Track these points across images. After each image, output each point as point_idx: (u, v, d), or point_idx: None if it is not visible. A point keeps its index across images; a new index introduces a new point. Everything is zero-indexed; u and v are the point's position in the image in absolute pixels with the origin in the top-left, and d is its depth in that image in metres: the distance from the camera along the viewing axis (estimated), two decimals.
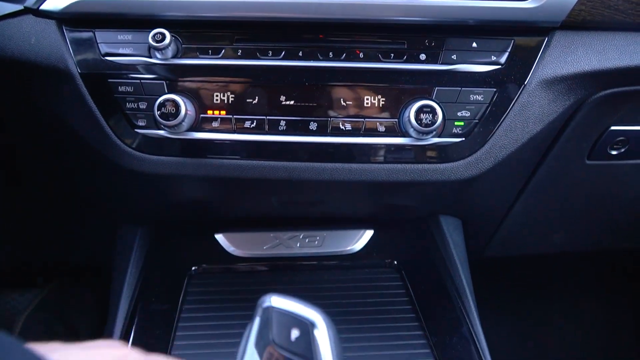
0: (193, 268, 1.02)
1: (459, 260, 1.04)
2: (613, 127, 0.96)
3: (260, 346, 0.47)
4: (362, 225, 1.10)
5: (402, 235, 1.10)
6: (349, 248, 1.06)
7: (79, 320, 1.64)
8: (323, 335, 0.45)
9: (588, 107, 0.89)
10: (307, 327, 0.45)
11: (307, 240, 1.07)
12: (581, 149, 1.00)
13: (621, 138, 0.98)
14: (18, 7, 0.82)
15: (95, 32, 0.82)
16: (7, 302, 1.56)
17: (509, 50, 0.82)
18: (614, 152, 1.01)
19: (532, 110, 0.84)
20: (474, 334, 0.90)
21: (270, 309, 0.46)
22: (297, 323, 0.45)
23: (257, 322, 0.47)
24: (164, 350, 0.84)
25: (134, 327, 0.90)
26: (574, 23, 0.82)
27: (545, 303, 1.94)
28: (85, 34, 0.82)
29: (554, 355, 1.85)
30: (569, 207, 1.20)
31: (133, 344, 0.84)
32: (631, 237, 1.40)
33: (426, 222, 1.11)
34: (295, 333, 0.45)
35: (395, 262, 1.05)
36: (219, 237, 1.06)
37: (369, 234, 1.08)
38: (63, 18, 0.82)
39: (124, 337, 0.89)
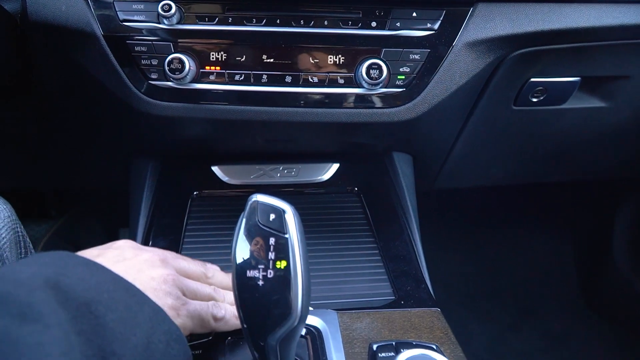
0: (194, 193, 1.15)
1: (407, 187, 1.19)
2: (532, 79, 1.10)
3: (249, 232, 0.66)
4: (330, 159, 1.24)
5: (362, 168, 1.23)
6: (319, 178, 1.21)
7: (89, 246, 1.83)
8: (290, 217, 0.65)
9: (508, 63, 1.03)
10: (280, 212, 0.64)
11: (285, 171, 1.20)
12: (507, 97, 1.14)
13: (540, 88, 1.13)
14: None
15: (114, 2, 0.94)
16: (27, 232, 1.75)
17: (441, 18, 0.96)
18: (534, 100, 1.15)
19: (458, 66, 0.98)
20: (412, 239, 1.07)
21: (255, 202, 0.67)
22: (273, 210, 0.64)
23: (247, 210, 0.68)
24: (175, 250, 0.98)
25: (151, 236, 1.04)
26: None
27: (491, 232, 2.11)
28: (106, 3, 0.94)
29: (496, 279, 2.02)
30: (502, 145, 1.35)
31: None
32: (558, 171, 1.55)
33: (382, 157, 1.26)
34: (272, 216, 0.64)
35: (356, 189, 1.19)
36: (215, 169, 1.20)
37: (335, 166, 1.23)
38: None
39: (144, 243, 1.03)
